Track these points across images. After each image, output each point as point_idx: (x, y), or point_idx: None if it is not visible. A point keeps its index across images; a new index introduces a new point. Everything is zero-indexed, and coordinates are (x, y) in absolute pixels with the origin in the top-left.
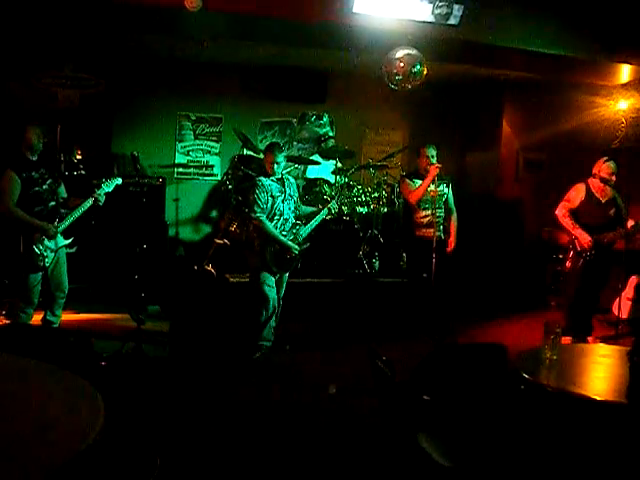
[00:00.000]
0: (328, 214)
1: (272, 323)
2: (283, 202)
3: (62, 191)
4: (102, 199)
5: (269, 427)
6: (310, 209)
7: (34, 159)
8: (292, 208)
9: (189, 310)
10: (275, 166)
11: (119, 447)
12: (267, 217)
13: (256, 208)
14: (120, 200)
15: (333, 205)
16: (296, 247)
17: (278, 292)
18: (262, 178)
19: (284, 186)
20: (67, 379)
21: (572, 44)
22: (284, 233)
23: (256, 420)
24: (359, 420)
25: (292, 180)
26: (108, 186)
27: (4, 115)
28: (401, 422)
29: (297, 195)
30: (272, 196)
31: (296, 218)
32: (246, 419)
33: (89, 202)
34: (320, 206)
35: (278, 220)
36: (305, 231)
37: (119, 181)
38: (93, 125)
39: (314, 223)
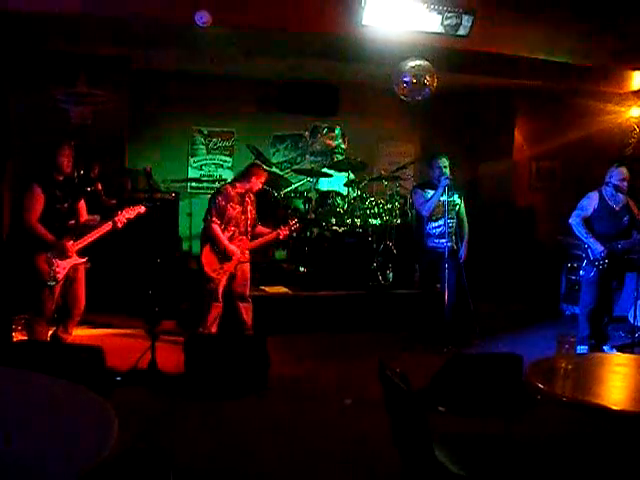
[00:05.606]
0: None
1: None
2: (242, 213)
3: (83, 211)
4: (121, 224)
5: (284, 441)
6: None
7: (61, 179)
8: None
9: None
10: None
11: (133, 462)
12: (222, 223)
13: (209, 214)
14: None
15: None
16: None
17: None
18: (229, 187)
19: (243, 199)
20: (81, 394)
21: (583, 52)
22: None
23: (271, 435)
24: (374, 432)
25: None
26: (130, 213)
27: (22, 132)
28: (416, 433)
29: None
30: (232, 206)
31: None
32: (260, 434)
33: (107, 226)
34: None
35: (235, 229)
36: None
37: (142, 210)
38: (106, 141)
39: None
